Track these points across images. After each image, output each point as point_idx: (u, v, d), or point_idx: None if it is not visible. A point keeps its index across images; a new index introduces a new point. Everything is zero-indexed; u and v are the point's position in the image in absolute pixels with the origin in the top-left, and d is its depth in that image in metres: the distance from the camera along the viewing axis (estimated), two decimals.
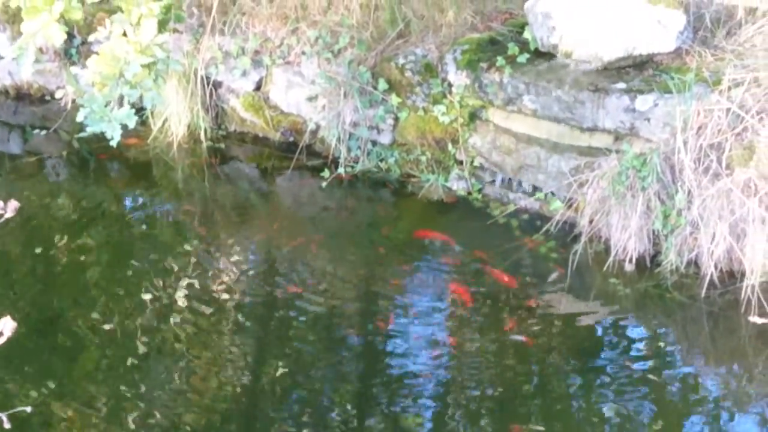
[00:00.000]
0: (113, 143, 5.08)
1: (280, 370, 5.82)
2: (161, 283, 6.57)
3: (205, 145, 8.39)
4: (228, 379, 5.73)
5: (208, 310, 6.31)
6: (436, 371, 5.91)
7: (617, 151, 6.99)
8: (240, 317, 6.27)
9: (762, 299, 6.35)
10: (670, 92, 6.85)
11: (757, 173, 6.32)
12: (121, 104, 5.69)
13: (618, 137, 7.12)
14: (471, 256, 7.01)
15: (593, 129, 7.17)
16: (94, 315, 6.24)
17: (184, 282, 6.58)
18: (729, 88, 6.70)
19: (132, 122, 5.86)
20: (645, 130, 6.98)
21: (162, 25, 8.12)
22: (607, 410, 5.61)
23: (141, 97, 7.16)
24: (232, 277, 6.62)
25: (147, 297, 6.43)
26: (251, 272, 6.78)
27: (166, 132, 8.48)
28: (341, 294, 6.54)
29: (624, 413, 5.58)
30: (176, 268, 6.74)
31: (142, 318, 6.22)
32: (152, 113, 8.52)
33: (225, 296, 6.43)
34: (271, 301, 6.45)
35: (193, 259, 6.87)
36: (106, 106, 5.59)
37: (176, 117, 8.43)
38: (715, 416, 5.62)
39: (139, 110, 8.69)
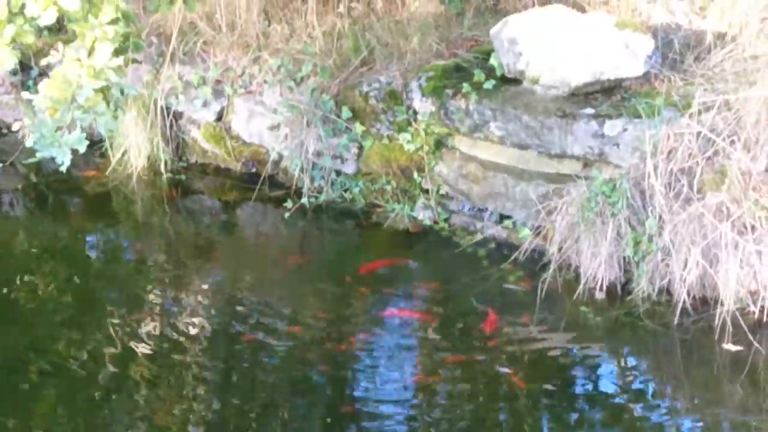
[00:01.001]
0: (63, 168, 4.90)
1: (245, 416, 5.53)
2: (120, 324, 6.30)
3: (165, 177, 8.16)
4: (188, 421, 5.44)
5: (168, 354, 6.03)
6: (405, 410, 5.69)
7: (586, 178, 6.83)
8: (202, 360, 6.00)
9: (737, 326, 6.14)
10: (639, 117, 6.75)
11: (729, 197, 6.16)
12: (72, 129, 5.48)
13: (587, 163, 6.98)
14: (436, 287, 6.85)
15: (561, 155, 7.03)
16: (52, 358, 5.98)
17: (144, 324, 6.32)
18: (699, 112, 6.57)
19: (83, 147, 5.67)
20: (614, 155, 6.83)
21: (120, 53, 7.96)
22: None
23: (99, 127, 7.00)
24: (193, 319, 6.35)
25: (106, 339, 6.16)
26: (213, 314, 6.49)
27: (125, 164, 8.26)
28: (306, 335, 6.28)
29: None
30: (136, 309, 6.49)
31: (100, 361, 5.93)
32: (111, 145, 8.31)
33: (186, 339, 6.17)
34: (234, 345, 6.18)
35: (153, 299, 6.61)
36: (56, 131, 5.39)
37: (135, 148, 8.23)
38: None
39: (98, 142, 8.62)
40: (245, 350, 6.14)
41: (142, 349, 6.03)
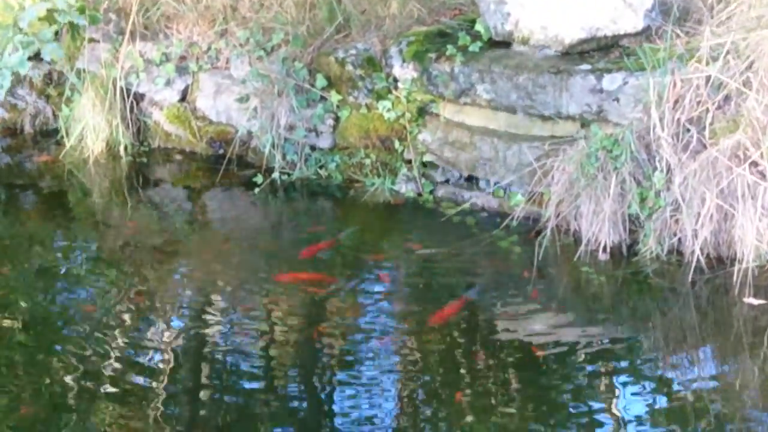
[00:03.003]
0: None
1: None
2: (79, 341, 5.40)
3: (125, 161, 7.51)
4: None
5: (135, 373, 5.13)
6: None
7: (585, 138, 6.23)
8: (173, 375, 5.14)
9: (758, 282, 5.62)
10: (642, 69, 6.19)
11: (745, 136, 5.58)
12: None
13: (584, 123, 6.43)
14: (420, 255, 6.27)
15: (556, 117, 6.46)
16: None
17: (104, 336, 5.45)
18: (707, 62, 6.00)
19: (25, 69, 5.09)
20: (614, 112, 6.31)
21: (76, 30, 7.37)
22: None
23: (55, 116, 6.36)
24: (160, 331, 5.54)
25: (63, 357, 5.25)
26: (182, 325, 5.62)
27: (81, 149, 7.60)
28: (283, 338, 5.54)
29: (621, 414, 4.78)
30: (94, 321, 5.62)
31: (54, 377, 5.06)
32: (66, 131, 7.67)
33: (153, 354, 5.32)
34: (206, 357, 5.34)
35: (116, 308, 5.77)
36: None
37: (93, 132, 7.58)
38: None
39: (53, 131, 8.01)
40: (219, 360, 5.29)
41: (102, 365, 5.20)
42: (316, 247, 6.35)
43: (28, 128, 8.17)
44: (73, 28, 7.69)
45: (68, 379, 4.98)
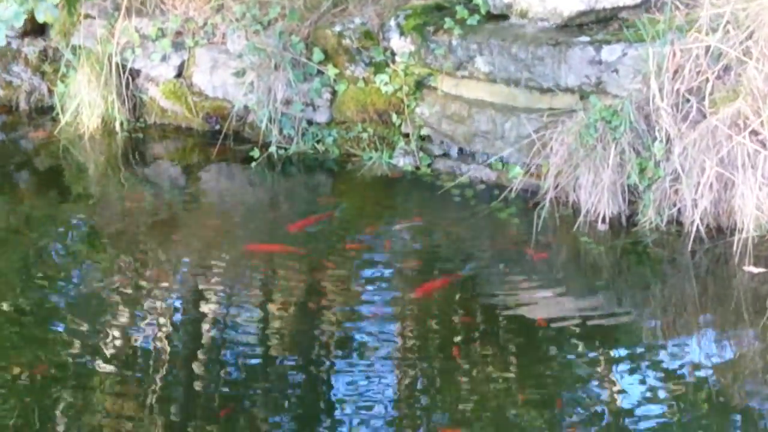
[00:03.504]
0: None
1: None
2: (76, 318, 5.33)
3: (120, 137, 7.45)
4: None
5: (132, 350, 5.05)
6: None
7: (584, 109, 6.19)
8: (170, 352, 5.06)
9: (758, 252, 5.59)
10: (641, 41, 6.16)
11: (745, 104, 5.54)
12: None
13: (582, 96, 6.38)
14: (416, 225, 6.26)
15: (554, 89, 6.41)
16: None
17: (102, 315, 5.38)
18: (707, 32, 5.95)
19: (20, 22, 5.03)
20: (613, 84, 6.28)
21: (72, 6, 7.31)
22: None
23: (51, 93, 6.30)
24: (157, 308, 5.45)
25: (60, 335, 5.18)
26: (179, 301, 5.56)
27: (77, 125, 7.55)
28: (281, 312, 5.47)
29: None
30: (90, 299, 5.56)
31: (54, 364, 4.96)
32: (62, 108, 7.60)
33: (150, 330, 5.23)
34: (204, 332, 5.27)
35: (113, 285, 5.68)
36: None
37: (88, 108, 7.53)
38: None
39: (49, 108, 7.96)
40: (217, 345, 5.19)
41: (100, 345, 5.11)
42: (305, 221, 6.27)
43: (23, 105, 8.11)
44: (69, 3, 7.65)
45: (65, 356, 4.94)
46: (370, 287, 5.61)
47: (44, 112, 8.06)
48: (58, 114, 7.77)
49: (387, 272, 5.82)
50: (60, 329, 5.20)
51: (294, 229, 6.17)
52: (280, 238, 6.09)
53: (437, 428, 4.39)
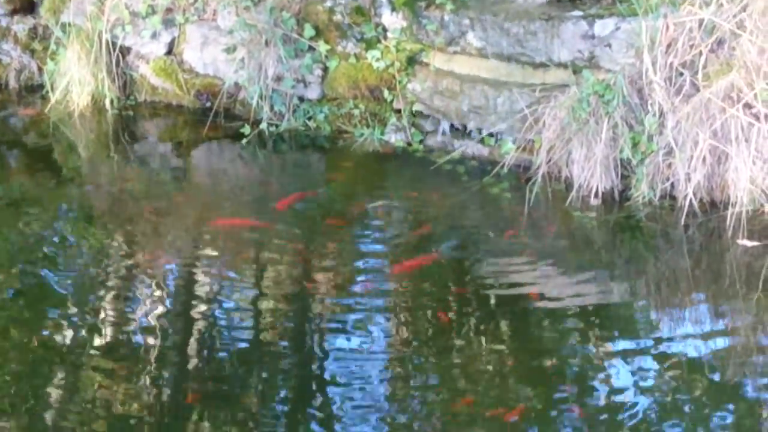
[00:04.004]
0: None
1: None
2: (68, 299, 5.26)
3: (111, 115, 7.39)
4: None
5: (125, 330, 5.00)
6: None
7: (576, 85, 6.15)
8: (164, 332, 4.99)
9: (751, 226, 5.54)
10: (634, 15, 6.13)
11: (739, 77, 5.49)
12: None
13: (575, 70, 6.34)
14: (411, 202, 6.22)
15: (547, 64, 6.36)
16: None
17: (94, 294, 5.33)
18: (700, 6, 5.91)
19: None
20: (606, 58, 6.24)
21: None
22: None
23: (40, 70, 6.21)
24: (149, 287, 5.40)
25: (49, 319, 5.11)
26: (171, 280, 5.52)
27: (66, 103, 7.49)
28: (273, 289, 5.42)
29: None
30: (83, 279, 5.49)
31: (46, 344, 4.90)
32: (51, 86, 7.54)
33: (143, 309, 5.18)
34: (197, 311, 5.20)
35: (105, 265, 5.61)
36: None
37: (78, 86, 7.46)
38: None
39: (38, 86, 7.89)
40: (207, 328, 5.09)
41: (91, 324, 5.05)
42: (291, 198, 6.22)
43: (12, 83, 8.05)
44: None
45: (58, 337, 4.89)
46: (358, 263, 5.56)
47: (34, 90, 8.00)
48: (47, 92, 7.70)
49: (371, 248, 5.76)
50: (52, 308, 5.15)
51: (282, 206, 6.10)
52: (268, 215, 6.01)
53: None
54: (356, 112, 7.03)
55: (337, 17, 7.02)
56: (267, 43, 7.06)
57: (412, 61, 6.88)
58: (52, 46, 7.78)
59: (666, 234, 5.72)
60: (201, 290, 5.33)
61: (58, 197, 6.53)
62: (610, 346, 4.80)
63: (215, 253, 5.70)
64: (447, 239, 5.78)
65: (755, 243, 5.50)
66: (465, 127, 6.74)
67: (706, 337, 4.87)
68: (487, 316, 5.03)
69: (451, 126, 6.83)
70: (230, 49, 7.22)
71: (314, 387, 4.52)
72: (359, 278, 5.40)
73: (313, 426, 4.30)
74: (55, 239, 5.94)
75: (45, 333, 4.91)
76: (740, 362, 4.69)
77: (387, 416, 4.30)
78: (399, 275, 5.36)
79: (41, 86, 7.89)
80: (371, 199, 6.30)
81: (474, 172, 6.48)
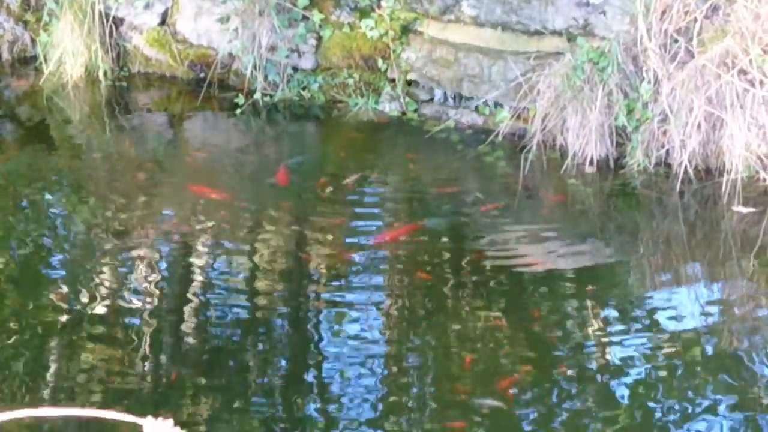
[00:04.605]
0: None
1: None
2: (64, 271, 5.29)
3: (104, 86, 7.36)
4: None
5: (121, 301, 4.98)
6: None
7: (571, 52, 6.13)
8: (159, 303, 5.00)
9: (746, 192, 5.51)
10: None
11: (734, 44, 5.47)
12: None
13: (570, 38, 6.31)
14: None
15: (542, 31, 6.33)
16: None
17: (91, 266, 5.29)
18: None
19: None
20: (600, 25, 6.25)
21: None
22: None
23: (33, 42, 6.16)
24: (145, 258, 5.35)
25: (47, 288, 5.09)
26: (166, 251, 5.49)
27: (60, 75, 7.45)
28: (268, 261, 5.39)
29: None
30: (79, 251, 5.49)
31: (44, 312, 4.89)
32: (45, 57, 7.50)
33: (139, 281, 5.16)
34: (192, 282, 5.19)
35: (101, 236, 5.59)
36: None
37: (71, 57, 7.42)
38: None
39: (32, 58, 7.85)
40: (202, 302, 5.05)
41: (88, 292, 5.03)
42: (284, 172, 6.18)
43: (5, 55, 7.99)
44: None
45: (53, 306, 4.89)
46: (354, 225, 5.58)
47: (27, 62, 7.94)
48: (41, 64, 7.65)
49: (365, 211, 5.77)
50: (47, 278, 5.16)
51: (281, 180, 6.07)
52: (264, 187, 5.98)
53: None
54: (350, 81, 7.00)
55: None
56: (260, 13, 7.02)
57: (406, 29, 6.85)
58: (45, 18, 7.72)
59: (661, 201, 5.71)
60: (196, 260, 5.31)
61: (52, 168, 6.47)
62: (605, 313, 4.78)
63: (210, 223, 5.64)
64: (441, 206, 5.75)
65: (750, 210, 5.50)
66: (459, 95, 6.70)
67: (701, 303, 4.85)
68: (482, 283, 5.00)
69: (446, 95, 6.79)
70: (224, 19, 7.18)
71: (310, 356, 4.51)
72: (352, 241, 5.42)
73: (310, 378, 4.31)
74: (50, 210, 5.88)
75: (40, 302, 4.90)
76: (735, 328, 4.69)
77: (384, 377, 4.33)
78: (385, 244, 5.33)
79: (34, 58, 7.83)
80: (362, 169, 6.25)
81: (469, 140, 6.47)
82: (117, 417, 2.25)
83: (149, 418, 2.09)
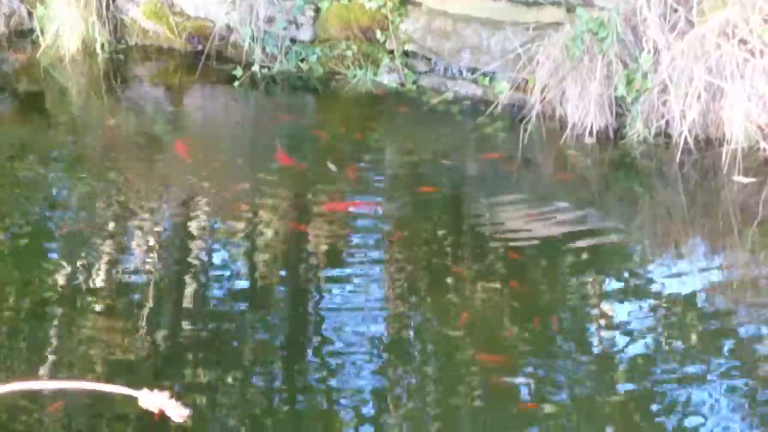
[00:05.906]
0: None
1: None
2: (63, 246, 5.26)
3: (101, 59, 7.32)
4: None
5: (120, 277, 4.97)
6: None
7: (570, 23, 6.10)
8: (158, 278, 4.97)
9: (746, 162, 5.47)
10: None
11: (735, 13, 5.44)
12: None
13: (569, 8, 6.27)
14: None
15: (541, 2, 6.33)
16: None
17: (89, 241, 5.26)
18: None
19: None
20: None
21: None
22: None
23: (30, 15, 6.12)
24: (144, 233, 5.33)
25: (46, 263, 5.06)
26: (166, 226, 5.47)
27: (57, 48, 7.42)
28: (267, 233, 5.37)
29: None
30: (78, 225, 5.45)
31: (45, 286, 4.88)
32: (42, 30, 7.46)
33: (138, 255, 5.13)
34: (191, 258, 5.17)
35: (100, 211, 5.57)
36: None
37: (68, 30, 7.38)
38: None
39: (29, 31, 7.81)
40: (202, 277, 5.03)
41: (88, 267, 5.02)
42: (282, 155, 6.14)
43: (2, 29, 7.95)
44: None
45: (54, 278, 4.87)
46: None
47: (24, 35, 7.90)
48: (38, 37, 7.62)
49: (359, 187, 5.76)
50: (48, 253, 5.14)
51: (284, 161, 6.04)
52: (265, 163, 5.96)
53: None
54: (349, 53, 6.97)
55: None
56: None
57: (404, 0, 6.80)
58: None
59: (661, 172, 5.69)
60: (196, 232, 5.29)
61: (50, 141, 6.44)
62: (604, 283, 4.77)
63: (209, 196, 5.62)
64: (440, 177, 5.72)
65: (750, 180, 5.48)
66: (458, 66, 6.66)
67: (701, 273, 4.85)
68: (480, 255, 4.98)
69: (445, 66, 6.75)
70: None
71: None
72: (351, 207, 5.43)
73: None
74: (48, 183, 5.86)
75: (41, 275, 4.88)
76: (735, 298, 4.67)
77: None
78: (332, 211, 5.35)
79: (31, 31, 7.80)
80: (364, 140, 6.24)
81: (468, 111, 6.45)
82: (112, 389, 2.24)
83: (144, 390, 2.07)
